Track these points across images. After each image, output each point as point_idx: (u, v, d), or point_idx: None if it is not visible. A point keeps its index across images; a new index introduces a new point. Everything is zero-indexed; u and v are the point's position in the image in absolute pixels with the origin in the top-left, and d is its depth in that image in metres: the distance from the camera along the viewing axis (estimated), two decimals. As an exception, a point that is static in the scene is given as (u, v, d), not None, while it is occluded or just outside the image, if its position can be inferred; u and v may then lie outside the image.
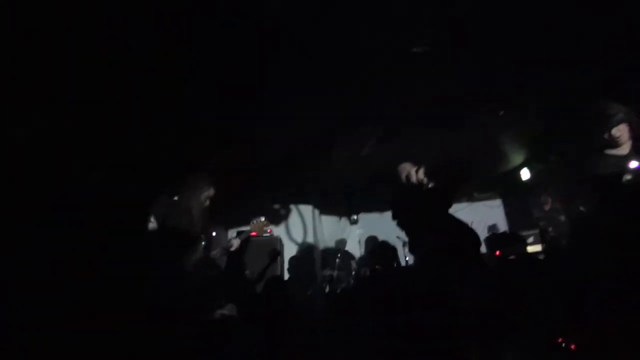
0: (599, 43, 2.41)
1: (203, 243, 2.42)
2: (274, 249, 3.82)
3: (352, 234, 6.16)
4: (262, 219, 3.13)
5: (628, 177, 1.88)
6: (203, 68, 2.41)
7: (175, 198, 2.44)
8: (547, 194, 5.27)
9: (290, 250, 5.13)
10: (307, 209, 5.55)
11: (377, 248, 5.11)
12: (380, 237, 5.29)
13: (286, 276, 4.83)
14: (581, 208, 2.45)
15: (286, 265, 4.89)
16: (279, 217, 5.38)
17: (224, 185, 2.63)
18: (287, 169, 4.46)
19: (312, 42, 2.26)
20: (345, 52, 2.38)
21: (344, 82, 2.73)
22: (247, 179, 4.42)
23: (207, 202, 2.55)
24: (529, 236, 4.59)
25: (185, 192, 2.47)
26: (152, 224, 2.31)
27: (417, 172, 2.58)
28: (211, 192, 2.56)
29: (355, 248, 5.79)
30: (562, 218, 4.84)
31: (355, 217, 6.25)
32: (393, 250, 5.03)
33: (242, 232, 2.98)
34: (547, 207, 5.27)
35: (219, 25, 2.03)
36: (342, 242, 5.78)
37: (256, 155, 3.95)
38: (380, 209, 5.88)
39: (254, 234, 4.05)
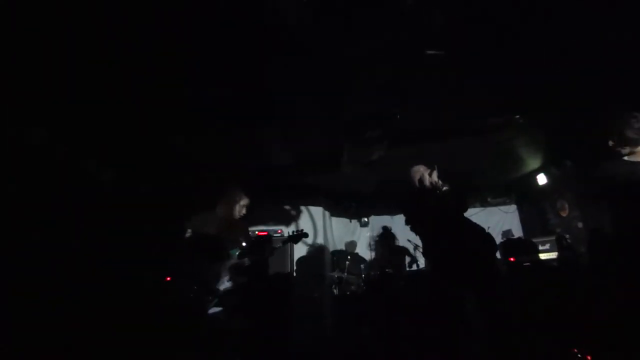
0: (614, 48, 2.34)
1: (239, 252, 2.50)
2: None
3: (363, 237, 6.13)
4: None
5: None
6: (205, 69, 2.42)
7: (215, 210, 2.60)
8: (564, 200, 5.13)
9: (299, 251, 5.12)
10: (317, 211, 5.54)
11: (387, 250, 5.08)
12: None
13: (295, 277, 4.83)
14: (597, 216, 2.36)
15: (295, 267, 4.89)
16: (289, 218, 5.39)
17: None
18: (299, 172, 4.46)
19: (317, 44, 2.23)
20: (354, 54, 2.35)
21: (352, 85, 2.71)
22: (259, 181, 4.46)
23: (244, 211, 2.69)
24: (545, 243, 4.48)
25: (222, 203, 2.61)
26: (191, 234, 2.46)
27: (430, 174, 2.54)
28: (246, 201, 2.69)
29: (365, 251, 5.76)
30: (580, 225, 4.71)
31: (366, 219, 6.21)
32: (404, 253, 5.00)
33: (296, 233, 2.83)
34: (564, 214, 5.12)
35: (219, 26, 2.03)
36: (352, 245, 5.76)
37: (268, 157, 3.97)
38: (392, 212, 5.84)
39: (263, 234, 4.08)
